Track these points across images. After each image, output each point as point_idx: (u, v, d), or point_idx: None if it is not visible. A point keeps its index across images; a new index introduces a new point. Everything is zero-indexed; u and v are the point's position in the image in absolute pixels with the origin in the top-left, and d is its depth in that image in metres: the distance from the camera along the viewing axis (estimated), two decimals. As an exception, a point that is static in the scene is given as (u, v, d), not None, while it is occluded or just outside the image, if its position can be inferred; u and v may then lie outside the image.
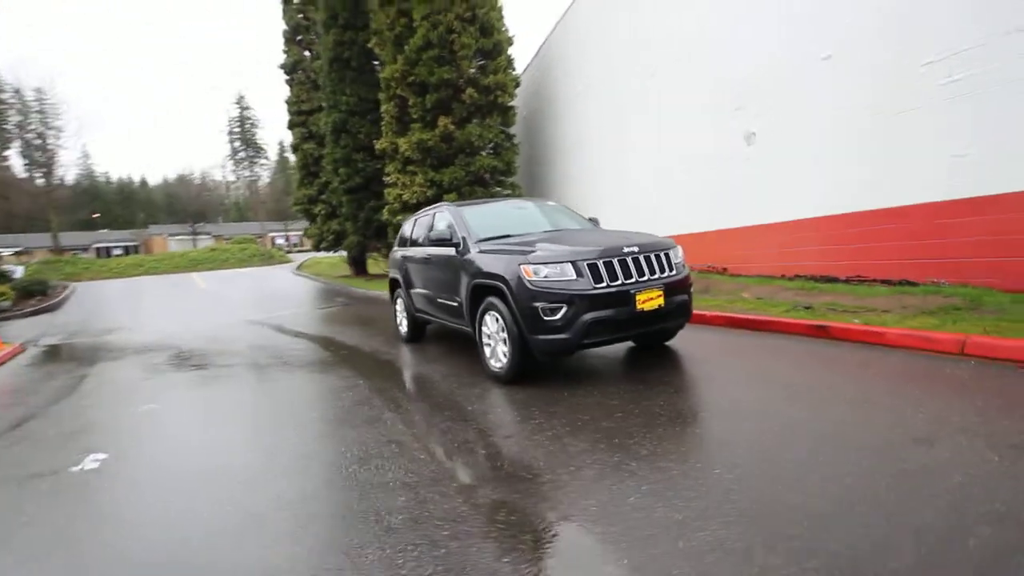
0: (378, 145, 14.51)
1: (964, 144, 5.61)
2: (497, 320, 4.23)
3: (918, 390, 3.57)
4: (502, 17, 13.66)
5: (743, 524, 2.15)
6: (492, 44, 13.38)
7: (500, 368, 4.35)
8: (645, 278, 4.13)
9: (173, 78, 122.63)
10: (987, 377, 3.58)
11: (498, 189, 13.99)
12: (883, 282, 6.45)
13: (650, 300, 4.10)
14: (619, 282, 4.00)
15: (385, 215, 14.28)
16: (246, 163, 63.51)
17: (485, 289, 4.40)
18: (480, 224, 5.13)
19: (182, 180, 74.87)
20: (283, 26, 20.50)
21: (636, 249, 4.16)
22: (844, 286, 6.63)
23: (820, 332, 4.99)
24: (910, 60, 6.00)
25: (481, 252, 4.62)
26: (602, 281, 3.95)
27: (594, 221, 5.91)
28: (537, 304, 3.85)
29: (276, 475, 3.14)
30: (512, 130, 14.29)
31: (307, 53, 20.23)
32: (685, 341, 5.25)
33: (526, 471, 2.83)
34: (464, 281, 4.68)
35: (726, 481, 2.50)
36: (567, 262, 3.94)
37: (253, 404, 4.90)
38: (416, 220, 6.56)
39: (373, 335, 7.84)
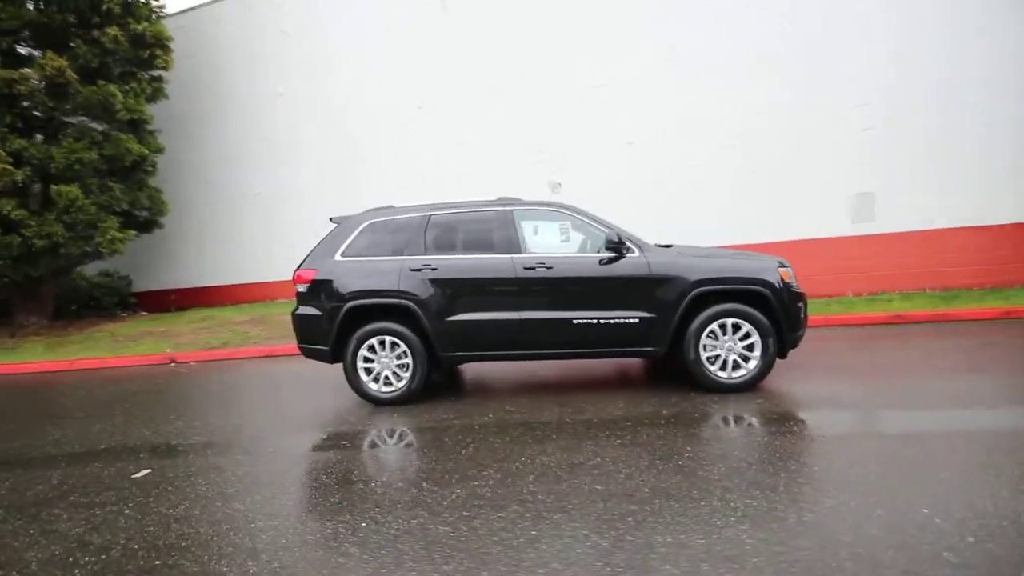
0: None
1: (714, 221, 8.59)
2: (738, 327, 3.95)
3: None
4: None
5: None
6: (141, -21, 9.19)
7: (744, 375, 3.94)
8: None
9: None
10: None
11: (139, 192, 9.28)
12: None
13: None
14: None
15: None
16: None
17: (717, 296, 4.01)
18: None
19: None
20: None
21: None
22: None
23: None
24: (684, 163, 8.60)
25: (683, 256, 4.15)
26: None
27: None
28: (800, 304, 4.06)
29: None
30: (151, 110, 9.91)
31: None
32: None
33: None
34: (668, 291, 4.05)
35: None
36: (789, 267, 4.20)
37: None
38: (432, 219, 4.33)
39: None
